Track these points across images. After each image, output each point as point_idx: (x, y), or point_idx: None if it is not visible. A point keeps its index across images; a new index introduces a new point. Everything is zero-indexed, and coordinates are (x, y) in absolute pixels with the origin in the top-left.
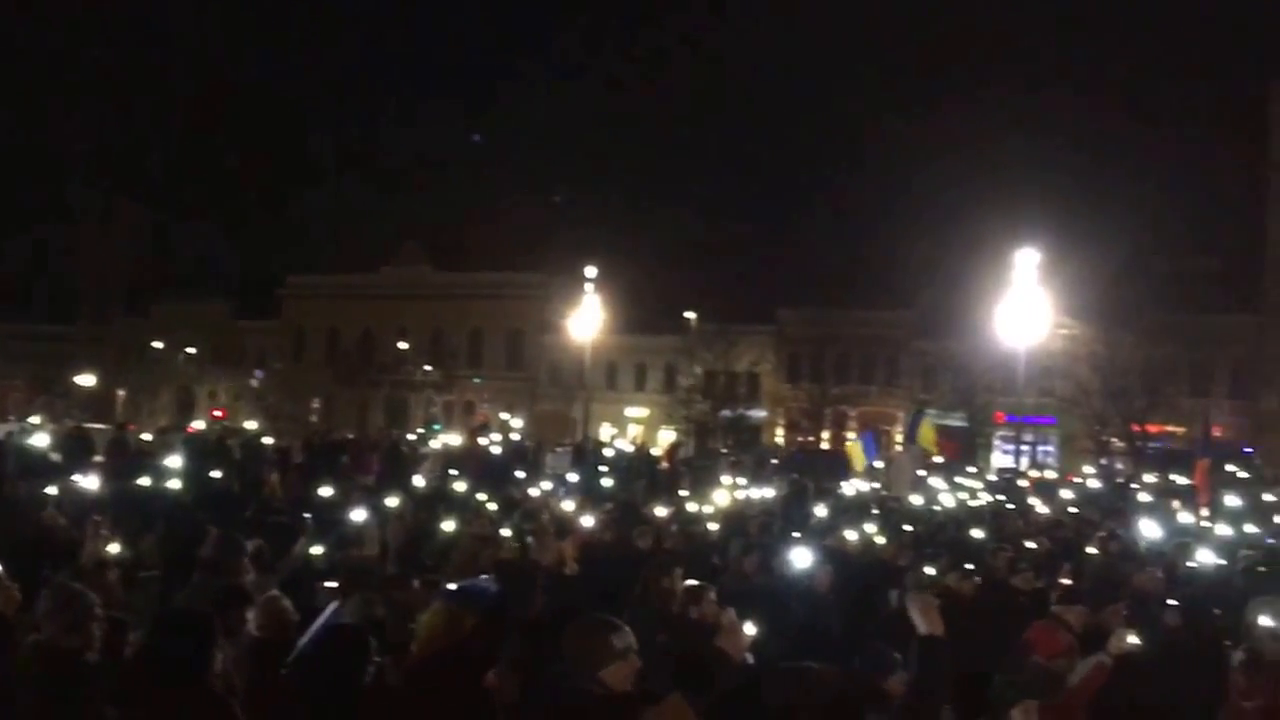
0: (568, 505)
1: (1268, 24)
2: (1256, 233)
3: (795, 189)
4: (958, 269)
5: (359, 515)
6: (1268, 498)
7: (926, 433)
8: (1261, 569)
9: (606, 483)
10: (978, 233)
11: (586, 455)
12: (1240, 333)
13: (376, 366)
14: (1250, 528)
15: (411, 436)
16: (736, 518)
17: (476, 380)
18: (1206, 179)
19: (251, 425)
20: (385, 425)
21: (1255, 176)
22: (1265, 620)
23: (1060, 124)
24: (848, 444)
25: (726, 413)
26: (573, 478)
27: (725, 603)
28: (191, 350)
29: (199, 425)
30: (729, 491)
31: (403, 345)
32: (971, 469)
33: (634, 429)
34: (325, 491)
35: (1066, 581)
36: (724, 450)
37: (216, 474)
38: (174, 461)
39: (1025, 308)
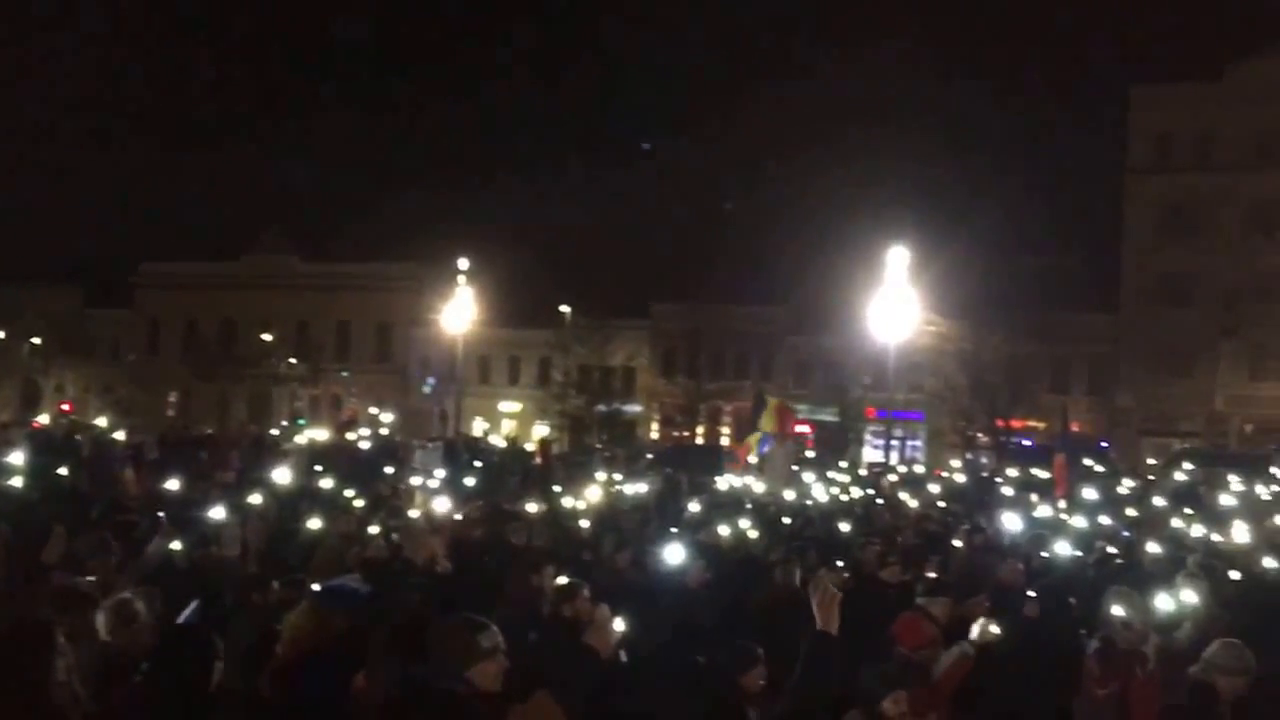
0: (438, 502)
1: (1128, 32)
2: (1115, 234)
3: (670, 191)
4: (831, 266)
5: (218, 514)
6: (1121, 490)
7: (768, 417)
8: (1115, 560)
9: (478, 479)
10: (850, 230)
11: (458, 451)
12: (1098, 331)
13: (237, 359)
14: (1104, 519)
15: (275, 432)
16: (610, 513)
17: (344, 374)
18: (1069, 181)
19: (102, 421)
20: (246, 420)
21: (1115, 179)
22: (1118, 609)
23: (930, 127)
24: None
25: (601, 408)
26: (443, 474)
27: (598, 599)
28: (37, 340)
29: (44, 420)
30: (603, 487)
31: (266, 337)
32: (843, 464)
33: (507, 424)
34: (177, 487)
35: (933, 574)
36: (598, 445)
37: (63, 471)
38: (17, 458)
39: (896, 305)
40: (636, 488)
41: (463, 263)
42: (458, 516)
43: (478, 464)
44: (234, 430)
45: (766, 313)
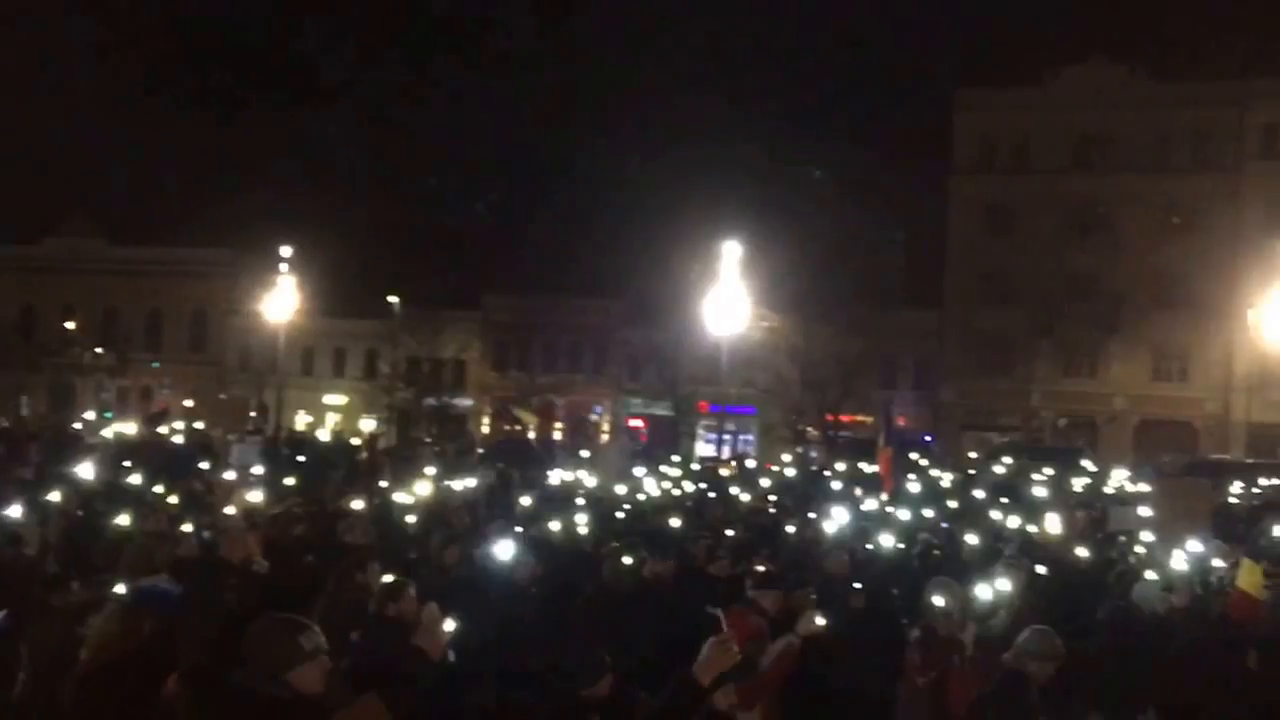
0: (255, 498)
1: (954, 35)
2: (940, 234)
3: (504, 174)
4: (665, 259)
5: (14, 511)
6: (944, 484)
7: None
8: (935, 551)
9: (299, 474)
10: (684, 225)
11: (278, 445)
12: (924, 328)
13: (37, 347)
14: (928, 512)
15: (78, 425)
16: (438, 509)
17: (155, 364)
18: (897, 179)
19: None
20: (46, 412)
21: (940, 180)
22: (938, 599)
23: (762, 125)
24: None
25: (431, 401)
26: (261, 469)
27: (425, 597)
28: None
29: None
30: (431, 482)
31: (69, 325)
32: (675, 458)
33: (332, 418)
34: None
35: (762, 568)
36: (428, 439)
37: None
38: None
39: (729, 300)
40: (467, 483)
41: (284, 250)
42: (276, 513)
43: (299, 459)
44: (32, 422)
45: (600, 305)
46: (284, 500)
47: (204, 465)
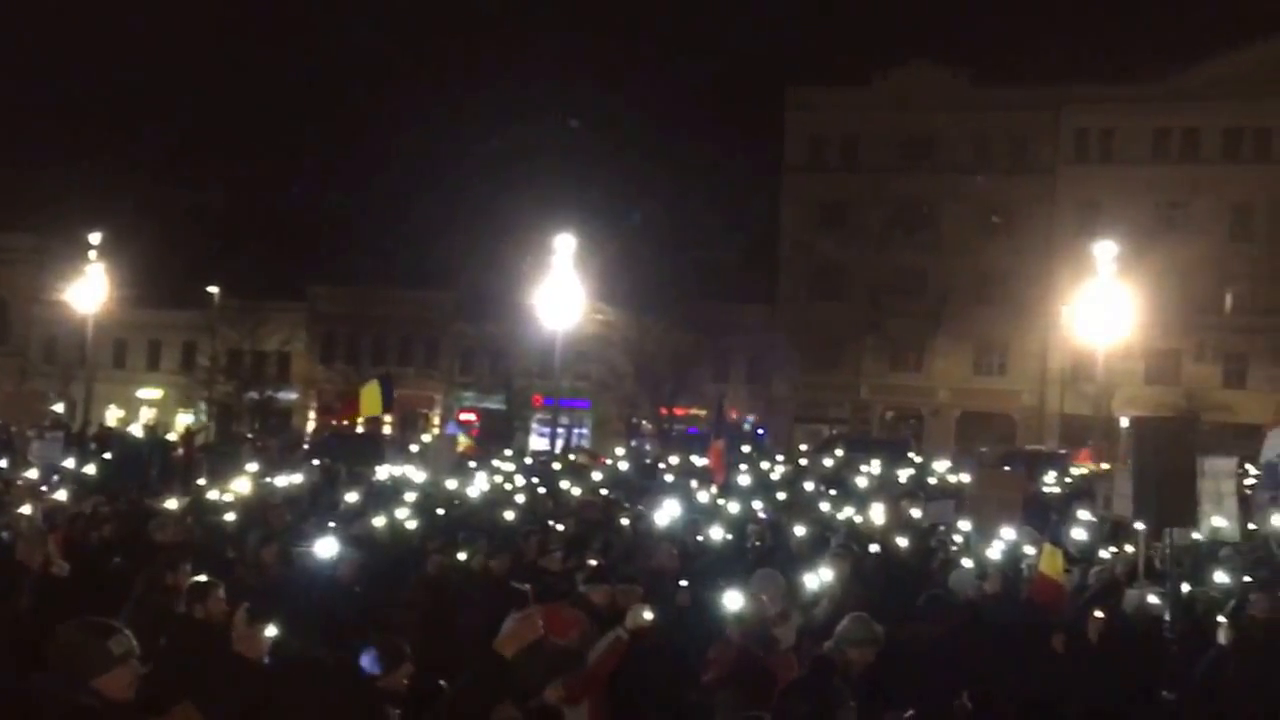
0: (59, 496)
1: (786, 32)
2: (773, 229)
3: (331, 162)
4: (498, 251)
5: None
6: (774, 476)
7: (369, 401)
8: (757, 543)
9: (108, 471)
10: (518, 217)
11: (84, 441)
12: (757, 322)
13: None
14: (757, 504)
15: None
16: (257, 506)
17: None
18: (730, 175)
19: None
20: None
21: (773, 177)
22: (755, 590)
23: (598, 117)
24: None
25: (253, 394)
26: (67, 465)
27: (242, 598)
28: None
29: None
30: (251, 478)
31: None
32: (508, 451)
33: (146, 412)
34: None
35: (594, 562)
36: (249, 435)
37: None
38: None
39: (562, 293)
40: (290, 479)
41: (94, 236)
42: (78, 513)
43: (107, 455)
44: None
45: (432, 297)
46: (88, 498)
47: (2, 463)
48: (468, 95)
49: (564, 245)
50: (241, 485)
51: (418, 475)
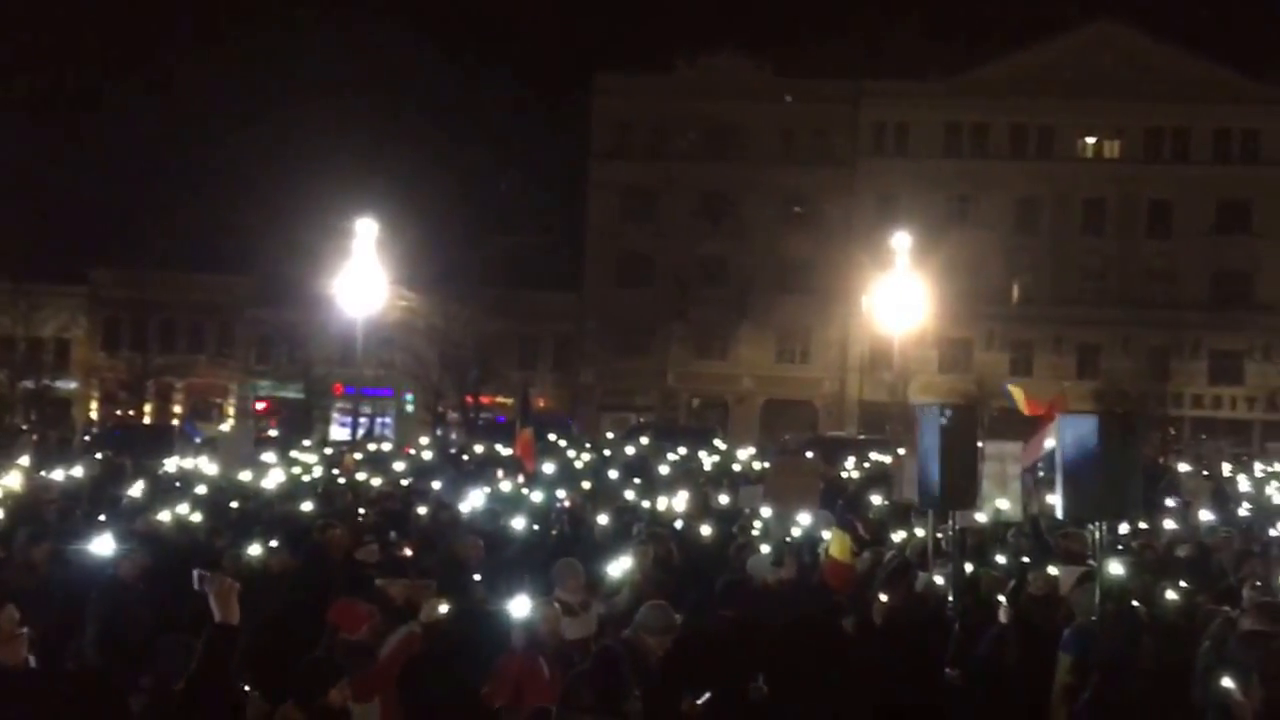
0: None
1: (595, 17)
2: (580, 216)
3: (113, 141)
4: (295, 235)
5: None
6: (579, 464)
7: None
8: (554, 532)
9: None
10: (316, 200)
11: None
12: (564, 310)
13: None
14: (561, 494)
15: None
16: (30, 502)
17: None
18: (537, 161)
19: None
20: None
21: (580, 163)
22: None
23: (401, 99)
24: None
25: (28, 384)
26: None
27: (9, 600)
28: None
29: None
30: (24, 473)
31: None
32: (307, 442)
33: None
34: None
35: (409, 552)
36: (24, 427)
37: None
38: None
39: (364, 278)
40: (70, 473)
41: None
42: None
43: None
44: None
45: (224, 282)
46: None
47: None
48: (268, 71)
49: (365, 229)
50: (12, 480)
51: (210, 468)
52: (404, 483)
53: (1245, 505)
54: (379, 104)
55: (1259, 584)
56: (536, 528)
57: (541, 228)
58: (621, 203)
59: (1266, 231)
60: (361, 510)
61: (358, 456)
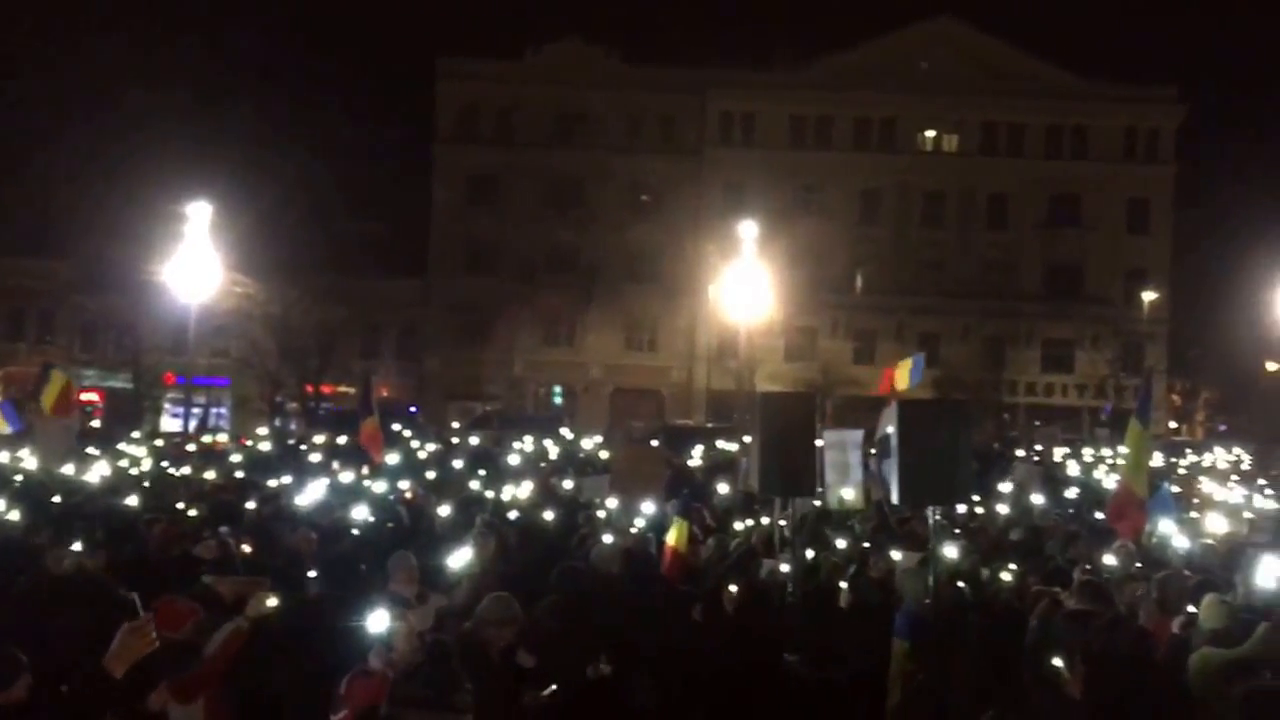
0: None
1: (440, 3)
2: (425, 202)
3: None
4: (123, 220)
5: None
6: (423, 455)
7: (51, 394)
8: (389, 525)
9: None
10: (146, 183)
11: None
12: (408, 297)
13: None
14: (404, 484)
15: None
16: None
17: None
18: (381, 146)
19: None
20: None
21: (424, 148)
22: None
23: (237, 81)
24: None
25: None
26: None
27: None
28: None
29: None
30: None
31: None
32: (136, 434)
33: None
34: None
35: (248, 548)
36: None
37: None
38: None
39: (197, 263)
40: None
41: None
42: None
43: None
44: None
45: (45, 267)
46: None
47: None
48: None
49: (199, 213)
50: None
51: (28, 461)
52: (238, 475)
53: (1074, 489)
54: (215, 86)
55: (1087, 566)
56: (376, 520)
57: (385, 213)
58: (467, 189)
59: (1095, 225)
60: (181, 503)
61: (191, 448)
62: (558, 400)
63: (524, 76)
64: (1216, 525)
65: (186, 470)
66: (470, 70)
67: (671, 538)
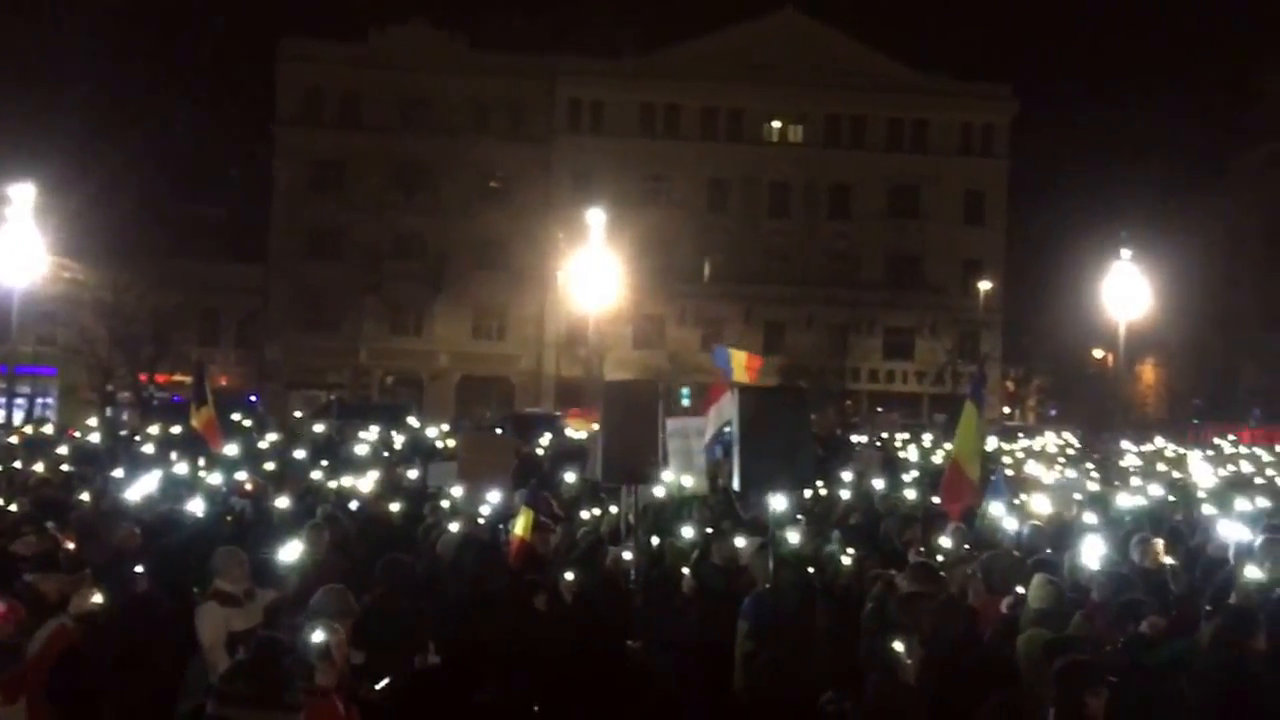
0: None
1: None
2: (265, 186)
3: None
4: None
5: None
6: (263, 445)
7: None
8: (228, 518)
9: None
10: None
11: None
12: (248, 283)
13: None
14: (241, 475)
15: None
16: None
17: None
18: (221, 129)
19: None
20: None
21: (265, 131)
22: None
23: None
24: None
25: None
26: None
27: None
28: None
29: None
30: None
31: None
32: None
33: None
34: None
35: (71, 545)
36: None
37: None
38: None
39: (20, 246)
40: None
41: None
42: None
43: None
44: None
45: None
46: None
47: None
48: None
49: (22, 194)
50: None
51: None
52: (65, 468)
53: (913, 474)
54: (45, 64)
55: (921, 549)
56: (211, 513)
57: (225, 197)
58: (310, 173)
59: (934, 216)
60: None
61: (13, 440)
62: (403, 388)
63: (368, 60)
64: (1042, 507)
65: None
66: (313, 52)
67: (518, 527)
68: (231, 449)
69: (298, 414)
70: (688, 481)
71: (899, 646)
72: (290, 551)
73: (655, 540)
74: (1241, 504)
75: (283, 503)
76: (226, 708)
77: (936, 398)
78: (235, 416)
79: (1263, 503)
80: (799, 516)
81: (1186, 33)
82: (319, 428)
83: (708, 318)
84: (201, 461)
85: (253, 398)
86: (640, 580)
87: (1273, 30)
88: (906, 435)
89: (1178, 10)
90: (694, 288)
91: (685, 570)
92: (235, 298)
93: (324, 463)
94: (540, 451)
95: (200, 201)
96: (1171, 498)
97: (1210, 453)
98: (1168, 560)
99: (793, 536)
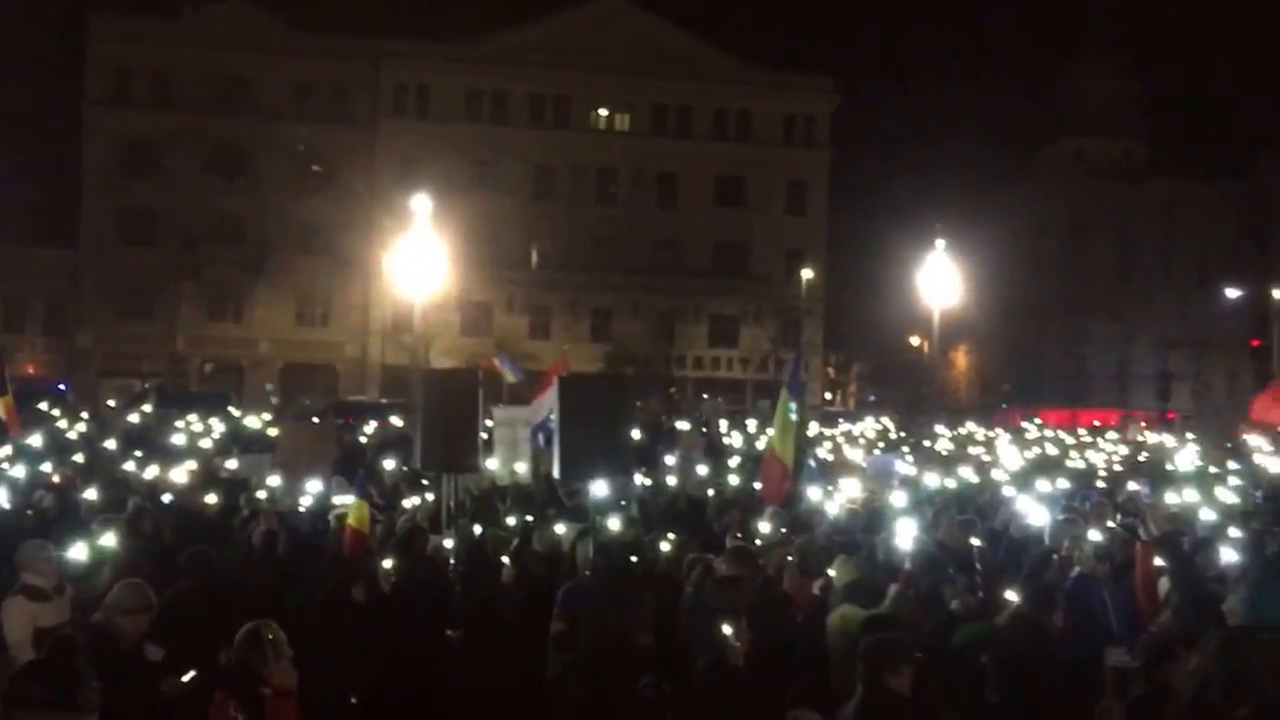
0: None
1: None
2: (74, 168)
3: None
4: None
5: None
6: (72, 435)
7: None
8: (30, 511)
9: None
10: None
11: None
12: (57, 268)
13: None
14: (47, 467)
15: None
16: None
17: None
18: (28, 106)
19: None
20: None
21: (73, 110)
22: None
23: None
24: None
25: None
26: None
27: None
28: None
29: None
30: None
31: None
32: None
33: None
34: None
35: None
36: None
37: None
38: None
39: None
40: None
41: None
42: None
43: None
44: None
45: None
46: None
47: None
48: None
49: None
50: None
51: None
52: None
53: (735, 459)
54: None
55: (739, 534)
56: (13, 507)
57: (32, 177)
58: (121, 154)
59: (758, 205)
60: None
61: None
62: (222, 376)
63: (182, 37)
64: (856, 490)
65: None
66: (124, 29)
67: (352, 517)
68: (36, 440)
69: (110, 403)
70: (518, 469)
71: (727, 630)
72: (95, 546)
73: (477, 528)
74: (1042, 485)
75: (91, 495)
76: (16, 710)
77: (760, 384)
78: (42, 406)
79: (1064, 484)
80: (625, 502)
81: (998, 28)
82: (133, 418)
83: (536, 305)
84: (5, 452)
85: (62, 387)
86: (460, 568)
87: (1078, 27)
88: (729, 421)
89: (989, 7)
90: (522, 274)
91: (505, 559)
92: (44, 282)
93: (138, 454)
94: (364, 440)
95: (7, 183)
96: (977, 479)
97: (1016, 435)
98: (975, 541)
99: (613, 524)
